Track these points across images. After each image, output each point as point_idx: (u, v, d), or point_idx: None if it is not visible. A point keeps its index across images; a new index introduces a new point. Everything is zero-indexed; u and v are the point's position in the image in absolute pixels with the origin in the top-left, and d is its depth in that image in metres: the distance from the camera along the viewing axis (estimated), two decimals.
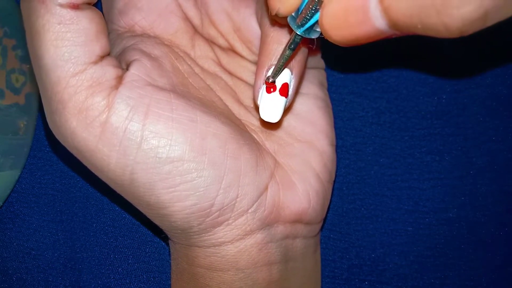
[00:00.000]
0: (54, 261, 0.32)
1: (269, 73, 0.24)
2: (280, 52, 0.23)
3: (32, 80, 0.32)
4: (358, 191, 0.32)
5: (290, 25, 0.21)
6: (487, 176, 0.32)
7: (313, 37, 0.21)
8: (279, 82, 0.24)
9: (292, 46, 0.22)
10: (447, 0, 0.15)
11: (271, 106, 0.24)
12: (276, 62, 0.23)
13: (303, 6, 0.20)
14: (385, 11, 0.17)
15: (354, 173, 0.32)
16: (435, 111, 0.32)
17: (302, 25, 0.20)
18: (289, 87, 0.24)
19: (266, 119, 0.24)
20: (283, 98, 0.24)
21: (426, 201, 0.32)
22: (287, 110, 0.26)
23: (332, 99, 0.29)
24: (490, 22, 0.16)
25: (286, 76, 0.24)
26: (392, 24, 0.17)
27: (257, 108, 0.25)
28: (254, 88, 0.24)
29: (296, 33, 0.21)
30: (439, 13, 0.16)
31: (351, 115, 0.33)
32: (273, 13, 0.20)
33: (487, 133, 0.32)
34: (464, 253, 0.31)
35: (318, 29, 0.21)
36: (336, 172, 0.29)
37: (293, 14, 0.20)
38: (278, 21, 0.23)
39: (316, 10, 0.19)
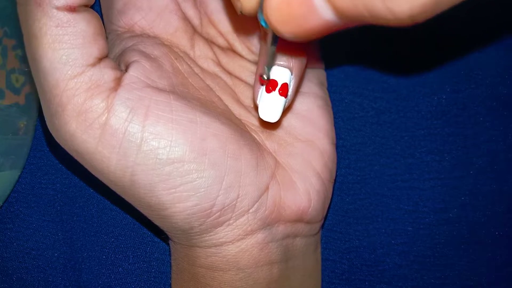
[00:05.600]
0: (54, 261, 0.32)
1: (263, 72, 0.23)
2: (281, 53, 0.23)
3: (32, 80, 0.31)
4: (358, 191, 0.32)
5: (262, 24, 0.20)
6: (487, 176, 0.32)
7: None
8: (279, 82, 0.24)
9: (272, 41, 0.21)
10: None
11: (270, 106, 0.24)
12: (266, 60, 0.23)
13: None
14: (329, 1, 0.16)
15: (354, 173, 0.32)
16: (435, 111, 0.32)
17: None
18: (289, 87, 0.24)
19: (265, 119, 0.24)
20: (283, 98, 0.24)
21: (426, 201, 0.32)
22: (286, 110, 0.26)
23: (332, 99, 0.29)
24: (441, 9, 0.15)
25: (286, 76, 0.24)
26: (339, 14, 0.16)
27: (256, 108, 0.25)
28: (253, 87, 0.25)
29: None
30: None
31: (351, 115, 0.33)
32: (238, 13, 0.20)
33: (487, 133, 0.32)
34: (464, 253, 0.31)
35: None
36: (337, 172, 0.29)
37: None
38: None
39: None
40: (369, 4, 0.15)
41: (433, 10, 0.15)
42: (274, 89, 0.24)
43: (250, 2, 0.19)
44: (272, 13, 0.17)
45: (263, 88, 0.24)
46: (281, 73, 0.24)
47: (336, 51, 0.32)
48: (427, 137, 0.32)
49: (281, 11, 0.17)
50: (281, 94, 0.24)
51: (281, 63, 0.24)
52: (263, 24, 0.20)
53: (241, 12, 0.20)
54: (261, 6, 0.19)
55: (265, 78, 0.23)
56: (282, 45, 0.23)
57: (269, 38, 0.21)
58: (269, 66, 0.23)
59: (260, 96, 0.24)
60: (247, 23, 0.27)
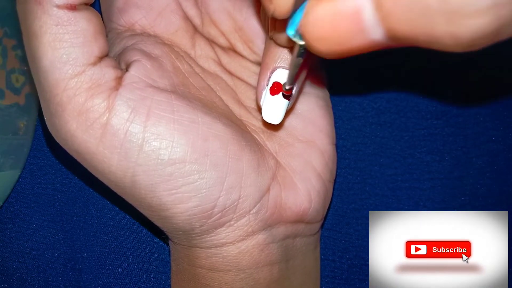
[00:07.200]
0: (54, 261, 0.32)
1: (285, 81, 0.23)
2: (286, 56, 0.23)
3: (32, 80, 0.31)
4: (358, 191, 0.32)
5: (291, 38, 0.19)
6: (487, 176, 0.32)
7: None
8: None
9: (300, 55, 0.20)
10: (460, 8, 0.13)
11: (274, 108, 0.24)
12: (288, 71, 0.22)
13: (299, 16, 0.18)
14: (384, 19, 0.15)
15: (354, 173, 0.32)
16: (435, 111, 0.32)
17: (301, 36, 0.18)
18: (292, 90, 0.24)
19: (268, 121, 0.24)
20: (286, 101, 0.24)
21: (426, 201, 0.32)
22: (289, 111, 0.26)
23: (332, 99, 0.29)
24: (502, 37, 0.14)
25: None
26: (391, 34, 0.15)
27: (259, 109, 0.25)
28: (257, 89, 0.24)
29: (299, 44, 0.19)
30: (449, 21, 0.13)
31: (351, 115, 0.33)
32: (270, 15, 0.19)
33: (487, 133, 0.32)
34: None
35: None
36: (337, 172, 0.29)
37: (293, 27, 0.19)
38: (278, 40, 0.23)
39: None
40: (430, 27, 0.14)
41: (494, 38, 0.14)
42: (278, 92, 0.24)
43: (284, 6, 0.18)
44: (312, 29, 0.16)
45: (267, 90, 0.24)
46: (285, 76, 0.24)
47: None
48: (427, 137, 0.32)
49: (322, 27, 0.16)
50: (284, 97, 0.24)
51: (285, 66, 0.23)
52: (292, 36, 0.19)
53: (272, 15, 0.18)
54: (292, 16, 0.18)
55: (287, 88, 0.23)
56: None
57: (296, 50, 0.20)
58: (292, 77, 0.22)
59: (264, 98, 0.24)
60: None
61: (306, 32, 0.16)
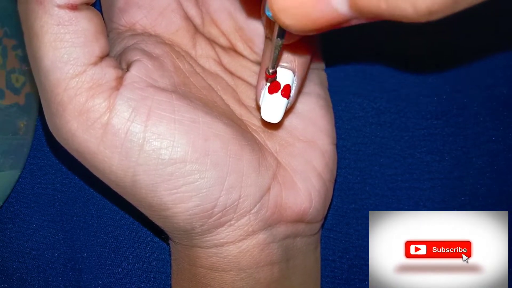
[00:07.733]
0: (54, 261, 0.32)
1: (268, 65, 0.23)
2: (285, 55, 0.23)
3: (32, 80, 0.31)
4: (358, 191, 0.32)
5: (267, 14, 0.19)
6: (487, 176, 0.32)
7: None
8: (282, 83, 0.24)
9: (279, 33, 0.21)
10: None
11: (273, 107, 0.24)
12: (272, 54, 0.23)
13: None
14: None
15: (354, 173, 0.32)
16: (435, 111, 0.32)
17: None
18: (291, 88, 0.24)
19: (267, 120, 0.24)
20: (285, 100, 0.24)
21: (426, 201, 0.32)
22: (288, 110, 0.26)
23: (332, 99, 0.29)
24: (460, 8, 0.15)
25: (288, 78, 0.24)
26: (355, 7, 0.15)
27: (259, 108, 0.25)
28: (256, 88, 0.25)
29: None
30: None
31: (351, 115, 0.33)
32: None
33: (487, 133, 0.32)
34: None
35: None
36: (337, 172, 0.29)
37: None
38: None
39: None
40: (392, 1, 0.15)
41: (452, 8, 0.15)
42: (277, 91, 0.24)
43: None
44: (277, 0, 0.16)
45: (266, 89, 0.24)
46: (284, 74, 0.24)
47: (336, 51, 0.32)
48: (427, 137, 0.32)
49: None
50: (283, 95, 0.24)
51: (284, 64, 0.24)
52: (268, 14, 0.19)
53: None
54: None
55: (270, 72, 0.23)
56: (285, 46, 0.23)
57: (276, 30, 0.21)
58: (275, 60, 0.23)
59: (263, 97, 0.24)
60: (253, 20, 0.27)
61: (271, 4, 0.16)
